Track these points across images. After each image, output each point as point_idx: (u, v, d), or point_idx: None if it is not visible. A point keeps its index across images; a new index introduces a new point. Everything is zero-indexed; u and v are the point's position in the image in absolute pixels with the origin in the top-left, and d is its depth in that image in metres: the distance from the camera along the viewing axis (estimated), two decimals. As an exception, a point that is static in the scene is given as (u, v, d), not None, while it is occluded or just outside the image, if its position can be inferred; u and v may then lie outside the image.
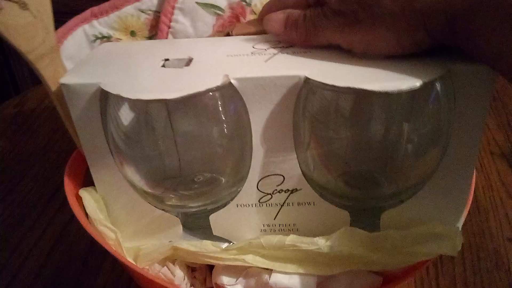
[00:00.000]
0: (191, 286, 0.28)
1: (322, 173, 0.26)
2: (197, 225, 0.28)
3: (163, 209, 0.27)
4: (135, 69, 0.25)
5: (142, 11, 0.33)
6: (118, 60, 0.26)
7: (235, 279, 0.26)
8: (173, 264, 0.27)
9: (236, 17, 0.32)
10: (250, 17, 0.33)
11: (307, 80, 0.22)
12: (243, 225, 0.27)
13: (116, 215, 0.28)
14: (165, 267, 0.27)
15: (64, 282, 0.36)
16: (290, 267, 0.25)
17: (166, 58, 0.25)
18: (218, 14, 0.32)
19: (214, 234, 0.28)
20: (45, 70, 0.26)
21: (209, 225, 0.28)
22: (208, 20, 0.32)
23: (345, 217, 0.27)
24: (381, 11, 0.21)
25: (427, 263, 0.26)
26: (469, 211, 0.28)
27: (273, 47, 0.26)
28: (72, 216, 0.27)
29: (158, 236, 0.28)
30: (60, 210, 0.43)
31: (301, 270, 0.25)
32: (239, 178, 0.26)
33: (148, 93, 0.21)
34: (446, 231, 0.25)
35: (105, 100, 0.24)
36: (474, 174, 0.27)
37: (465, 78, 0.22)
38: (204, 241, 0.26)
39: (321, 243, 0.24)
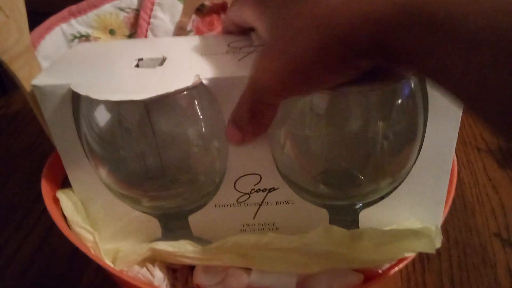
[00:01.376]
0: (172, 287, 0.27)
1: (299, 173, 0.25)
2: (176, 226, 0.27)
3: (141, 211, 0.27)
4: (108, 70, 0.24)
5: (121, 9, 0.32)
6: (92, 60, 0.26)
7: (215, 280, 0.26)
8: (153, 265, 0.27)
9: (216, 12, 0.31)
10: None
11: None
12: (222, 225, 0.27)
13: (95, 216, 0.27)
14: (144, 268, 0.26)
15: (49, 283, 0.36)
16: (268, 266, 0.25)
17: (140, 57, 0.25)
18: (198, 9, 0.32)
19: (194, 235, 0.28)
20: (20, 71, 0.26)
21: (189, 226, 0.27)
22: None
23: (324, 215, 0.26)
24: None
25: (407, 260, 0.25)
26: (455, 207, 0.27)
27: (248, 46, 0.25)
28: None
29: (138, 237, 0.27)
30: (44, 212, 0.41)
31: (280, 269, 0.25)
32: (217, 178, 0.26)
33: (117, 94, 0.21)
34: (425, 229, 0.25)
35: (77, 101, 0.23)
36: (456, 170, 0.26)
37: None
38: (181, 241, 0.25)
39: (299, 241, 0.24)
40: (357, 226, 0.26)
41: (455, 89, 0.15)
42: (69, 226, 0.27)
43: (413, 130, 0.23)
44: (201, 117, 0.24)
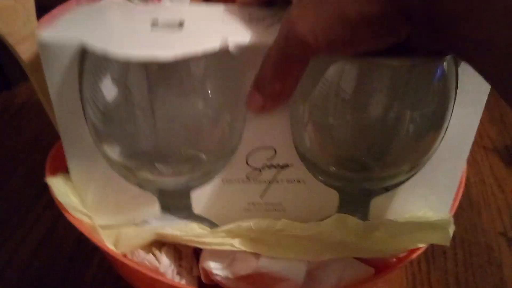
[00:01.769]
0: (177, 274, 0.26)
1: (317, 153, 0.24)
2: (176, 204, 0.26)
3: (140, 186, 0.25)
4: (122, 28, 0.22)
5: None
6: (104, 18, 0.24)
7: (222, 264, 0.25)
8: (160, 251, 0.26)
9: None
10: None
11: None
12: (227, 203, 0.26)
13: (91, 197, 0.26)
14: (151, 254, 0.25)
15: (52, 278, 0.35)
16: (279, 252, 0.24)
17: (155, 18, 0.23)
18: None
19: (194, 212, 0.26)
20: (25, 54, 0.25)
21: (190, 204, 0.26)
22: None
23: (334, 200, 0.25)
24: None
25: (418, 252, 0.25)
26: (461, 206, 0.27)
27: (271, 17, 0.23)
28: (60, 213, 0.25)
29: (134, 215, 0.26)
30: (47, 207, 0.41)
31: (290, 255, 0.24)
32: (227, 152, 0.24)
33: (138, 52, 0.19)
34: (440, 221, 0.24)
35: (84, 64, 0.21)
36: (466, 167, 0.26)
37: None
38: (189, 224, 0.24)
39: (313, 229, 0.23)
40: (367, 213, 0.25)
41: (493, 69, 0.14)
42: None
43: (441, 115, 0.22)
44: (211, 88, 0.22)
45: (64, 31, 0.21)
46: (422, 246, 0.24)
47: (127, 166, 0.24)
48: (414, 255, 0.25)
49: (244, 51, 0.20)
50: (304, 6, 0.17)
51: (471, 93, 0.21)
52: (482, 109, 0.22)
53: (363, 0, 0.15)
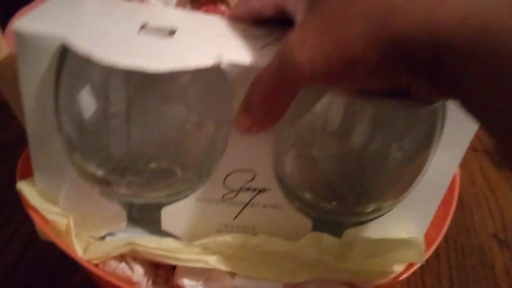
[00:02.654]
0: (153, 283, 0.25)
1: (295, 179, 0.24)
2: (145, 218, 0.25)
3: (109, 198, 0.24)
4: (109, 29, 0.21)
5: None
6: (89, 15, 0.22)
7: (196, 282, 0.24)
8: (134, 260, 0.25)
9: (213, 1, 0.30)
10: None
11: None
12: (198, 222, 0.25)
13: (58, 203, 0.24)
14: (123, 262, 0.24)
15: (38, 282, 0.34)
16: (255, 271, 0.23)
17: (145, 22, 0.21)
18: (194, -3, 0.30)
19: (162, 229, 0.25)
20: None
21: (159, 220, 0.25)
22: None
23: (306, 228, 0.25)
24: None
25: (398, 279, 0.25)
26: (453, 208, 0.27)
27: (266, 36, 0.23)
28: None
29: (100, 226, 0.25)
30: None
31: (266, 276, 0.23)
32: (205, 171, 0.23)
33: (125, 59, 0.17)
34: (413, 239, 0.24)
35: (63, 63, 0.19)
36: (458, 170, 0.26)
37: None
38: (164, 238, 0.23)
39: (290, 245, 0.23)
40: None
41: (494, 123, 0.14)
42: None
43: (423, 155, 0.22)
44: (198, 102, 0.21)
45: (46, 24, 0.19)
46: (395, 272, 0.24)
47: (98, 177, 0.23)
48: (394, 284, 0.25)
49: (237, 70, 0.19)
50: (305, 33, 0.17)
51: (455, 136, 0.21)
52: (464, 151, 0.22)
53: (367, 40, 0.15)
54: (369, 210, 0.24)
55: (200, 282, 0.24)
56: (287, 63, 0.17)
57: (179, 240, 0.24)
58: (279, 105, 0.19)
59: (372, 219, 0.25)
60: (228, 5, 0.31)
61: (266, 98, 0.19)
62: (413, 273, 0.39)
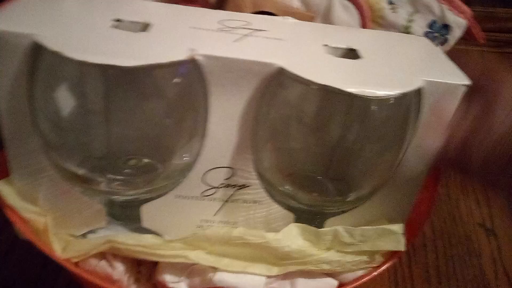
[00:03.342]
0: (135, 281, 0.25)
1: (275, 172, 0.23)
2: (125, 216, 0.24)
3: (89, 196, 0.24)
4: (81, 25, 0.20)
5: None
6: (61, 10, 0.22)
7: (178, 277, 0.24)
8: (114, 257, 0.24)
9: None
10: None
11: (280, 71, 0.19)
12: (178, 219, 0.24)
13: (36, 201, 0.23)
14: (104, 260, 0.24)
15: (23, 283, 0.33)
16: (237, 265, 0.23)
17: (118, 18, 0.21)
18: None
19: (143, 226, 0.25)
20: None
21: (139, 217, 0.24)
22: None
23: (289, 221, 0.24)
24: None
25: (380, 269, 0.25)
26: (440, 198, 0.27)
27: (241, 27, 0.22)
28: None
29: (81, 224, 0.24)
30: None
31: (248, 269, 0.23)
32: (183, 166, 0.23)
33: (97, 56, 0.17)
34: (392, 227, 0.24)
35: (37, 61, 0.19)
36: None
37: (435, 92, 0.21)
38: (144, 234, 0.23)
39: (270, 237, 0.22)
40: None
41: None
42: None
43: (397, 144, 0.22)
44: (174, 95, 0.21)
45: (18, 22, 0.19)
46: (377, 261, 0.24)
47: (78, 175, 0.22)
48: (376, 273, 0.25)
49: (212, 62, 0.19)
50: None
51: (431, 125, 0.22)
52: (441, 139, 0.22)
53: None
54: (349, 199, 0.24)
55: (182, 278, 0.24)
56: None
57: (159, 236, 0.24)
58: None
59: (352, 208, 0.24)
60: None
61: None
62: (400, 263, 0.39)
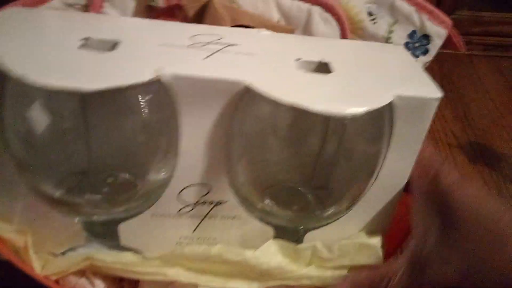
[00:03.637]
0: None
1: (252, 190, 0.23)
2: (103, 234, 0.24)
3: (66, 216, 0.23)
4: (47, 47, 0.20)
5: (70, 5, 0.30)
6: (26, 31, 0.21)
7: None
8: (94, 275, 0.24)
9: (170, 10, 0.29)
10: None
11: (248, 88, 0.19)
12: (156, 236, 0.24)
13: (12, 222, 0.23)
14: (83, 278, 0.24)
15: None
16: (217, 281, 0.23)
17: (87, 37, 0.21)
18: (151, 8, 0.29)
19: (121, 244, 0.24)
20: None
21: (117, 234, 0.24)
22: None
23: (268, 235, 0.24)
24: None
25: None
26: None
27: (213, 43, 0.22)
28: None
29: (59, 243, 0.24)
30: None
31: (228, 285, 0.23)
32: (160, 183, 0.22)
33: (60, 80, 0.17)
34: (370, 241, 0.24)
35: (3, 78, 0.19)
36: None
37: (407, 106, 0.20)
38: (123, 252, 0.23)
39: (249, 254, 0.22)
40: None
41: None
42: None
43: (372, 159, 0.22)
44: (146, 113, 0.21)
45: None
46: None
47: (53, 197, 0.22)
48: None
49: (179, 82, 0.19)
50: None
51: (406, 137, 0.21)
52: (417, 152, 0.22)
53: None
54: (328, 213, 0.23)
55: (163, 295, 0.24)
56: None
57: (138, 254, 0.23)
58: None
59: (331, 222, 0.24)
60: (185, 13, 0.30)
61: None
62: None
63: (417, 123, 0.21)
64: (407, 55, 0.25)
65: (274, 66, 0.21)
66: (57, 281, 0.23)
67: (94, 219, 0.24)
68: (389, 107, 0.20)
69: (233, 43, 0.22)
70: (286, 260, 0.23)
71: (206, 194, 0.23)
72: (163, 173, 0.22)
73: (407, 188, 0.23)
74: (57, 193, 0.22)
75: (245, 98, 0.20)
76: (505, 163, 0.52)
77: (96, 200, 0.23)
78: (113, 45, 0.21)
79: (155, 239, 0.24)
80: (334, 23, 0.30)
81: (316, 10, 0.30)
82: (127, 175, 0.24)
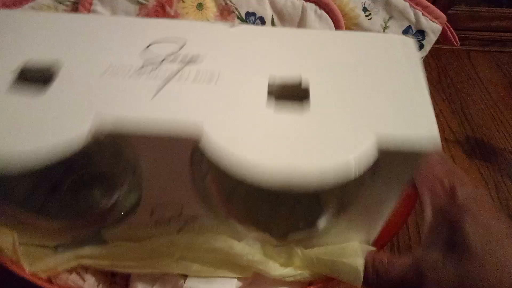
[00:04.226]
0: None
1: (219, 200, 0.22)
2: (88, 235, 0.24)
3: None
4: None
5: (60, 2, 0.29)
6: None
7: (150, 286, 0.24)
8: (85, 270, 0.24)
9: (161, 6, 0.29)
10: (177, 5, 0.29)
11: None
12: (139, 240, 0.23)
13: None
14: (74, 273, 0.24)
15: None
16: (206, 271, 0.23)
17: (25, 62, 0.18)
18: (141, 3, 0.29)
19: (107, 241, 0.24)
20: None
21: (102, 237, 0.23)
22: (130, 9, 0.29)
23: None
24: None
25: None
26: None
27: (170, 60, 0.19)
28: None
29: (45, 243, 0.24)
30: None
31: (217, 273, 0.23)
32: (133, 199, 0.22)
33: None
34: (352, 262, 0.22)
35: None
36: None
37: (391, 147, 0.16)
38: (110, 244, 0.23)
39: (236, 245, 0.22)
40: None
41: None
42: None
43: (355, 196, 0.20)
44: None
45: None
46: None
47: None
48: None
49: (123, 128, 0.16)
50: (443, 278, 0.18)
51: (395, 170, 0.18)
52: (404, 188, 0.19)
53: None
54: (314, 227, 0.23)
55: (154, 287, 0.24)
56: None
57: (127, 244, 0.23)
58: None
59: (315, 235, 0.23)
60: (177, 9, 0.29)
61: None
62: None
63: (407, 162, 0.17)
64: (411, 55, 0.20)
65: (237, 100, 0.17)
66: (49, 280, 0.23)
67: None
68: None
69: (196, 55, 0.19)
70: (271, 261, 0.23)
71: (179, 210, 0.21)
72: (132, 192, 0.22)
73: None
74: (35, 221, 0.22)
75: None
76: (502, 158, 0.51)
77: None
78: (49, 76, 0.18)
79: (138, 241, 0.24)
80: (329, 20, 0.30)
81: (311, 7, 0.30)
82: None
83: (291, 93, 0.18)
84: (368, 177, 0.18)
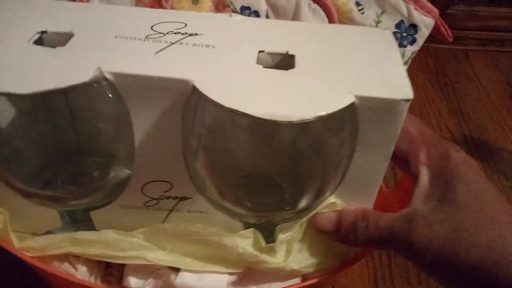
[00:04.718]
0: (103, 282, 0.25)
1: (211, 185, 0.22)
2: (77, 218, 0.24)
3: (39, 205, 0.23)
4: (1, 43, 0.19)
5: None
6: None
7: (143, 281, 0.24)
8: (77, 259, 0.24)
9: (157, 1, 0.29)
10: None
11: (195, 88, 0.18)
12: (128, 226, 0.24)
13: None
14: (66, 262, 0.24)
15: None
16: (197, 265, 0.23)
17: (44, 30, 0.20)
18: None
19: (97, 229, 0.24)
20: None
21: (90, 219, 0.24)
22: (126, 3, 0.30)
23: (239, 228, 0.24)
24: None
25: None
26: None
27: (173, 32, 0.21)
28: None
29: (36, 226, 0.24)
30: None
31: (208, 267, 0.23)
32: (122, 178, 0.22)
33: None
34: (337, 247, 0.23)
35: None
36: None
37: (371, 108, 0.18)
38: (103, 230, 0.23)
39: (227, 236, 0.22)
40: (273, 238, 0.24)
41: None
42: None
43: (337, 157, 0.21)
44: (103, 108, 0.21)
45: None
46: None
47: (27, 191, 0.22)
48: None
49: (123, 80, 0.18)
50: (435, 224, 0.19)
51: (374, 140, 0.20)
52: (391, 149, 0.20)
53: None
54: (301, 206, 0.23)
55: (147, 281, 0.24)
56: (401, 238, 0.20)
57: (119, 231, 0.23)
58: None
59: (301, 216, 0.23)
60: (172, 4, 0.30)
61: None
62: (381, 264, 0.39)
63: (386, 125, 0.19)
64: (390, 43, 0.22)
65: (230, 60, 0.20)
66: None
67: (66, 209, 0.24)
68: (350, 107, 0.18)
69: (195, 32, 0.21)
70: (263, 254, 0.23)
71: (169, 190, 0.22)
72: (126, 167, 0.22)
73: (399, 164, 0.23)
74: (30, 189, 0.22)
75: (194, 96, 0.18)
76: (500, 158, 0.51)
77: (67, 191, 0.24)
78: (67, 38, 0.20)
79: (127, 228, 0.24)
80: (322, 13, 0.30)
81: (304, 1, 0.30)
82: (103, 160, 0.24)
83: (278, 63, 0.21)
84: (348, 142, 0.20)
